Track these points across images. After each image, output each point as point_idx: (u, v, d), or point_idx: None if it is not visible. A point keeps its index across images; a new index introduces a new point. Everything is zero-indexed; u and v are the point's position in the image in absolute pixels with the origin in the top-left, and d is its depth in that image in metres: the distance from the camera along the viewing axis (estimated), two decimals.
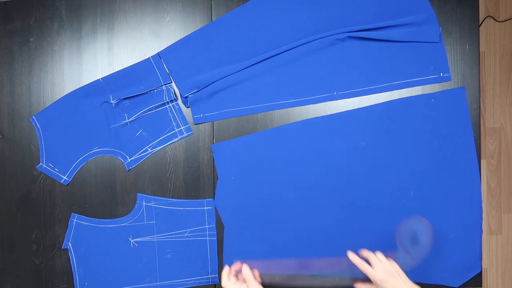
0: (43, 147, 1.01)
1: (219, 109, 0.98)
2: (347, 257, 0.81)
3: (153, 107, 0.98)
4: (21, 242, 1.02)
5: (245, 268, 0.83)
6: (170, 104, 0.98)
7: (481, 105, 1.75)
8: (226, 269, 0.84)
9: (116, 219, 1.00)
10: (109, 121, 0.99)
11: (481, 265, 0.94)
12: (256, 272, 0.86)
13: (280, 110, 0.97)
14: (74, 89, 1.00)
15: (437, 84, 0.94)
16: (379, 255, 0.80)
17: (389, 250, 0.85)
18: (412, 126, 0.93)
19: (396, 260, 0.80)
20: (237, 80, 0.96)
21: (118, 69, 0.99)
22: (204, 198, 0.99)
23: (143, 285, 0.99)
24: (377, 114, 0.94)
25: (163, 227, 0.99)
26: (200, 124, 0.99)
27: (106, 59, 1.00)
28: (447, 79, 0.94)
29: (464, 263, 0.94)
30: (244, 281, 0.82)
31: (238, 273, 0.85)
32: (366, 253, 0.81)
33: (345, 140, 0.95)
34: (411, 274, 0.93)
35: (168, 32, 0.99)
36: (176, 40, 0.98)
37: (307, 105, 0.96)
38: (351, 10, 0.94)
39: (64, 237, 1.01)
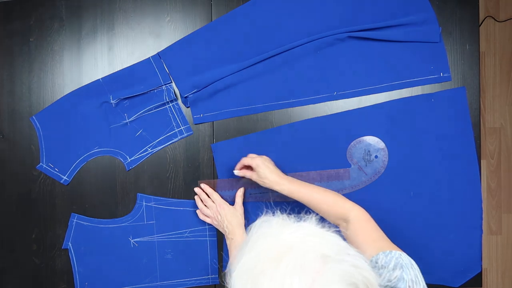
0: (43, 147, 1.01)
1: (219, 109, 0.98)
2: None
3: (153, 107, 0.98)
4: (21, 242, 1.02)
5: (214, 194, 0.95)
6: (170, 104, 0.98)
7: (481, 105, 1.75)
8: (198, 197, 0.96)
9: (116, 219, 1.00)
10: (109, 121, 0.99)
11: (481, 265, 0.94)
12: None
13: (280, 110, 0.97)
14: (74, 89, 1.00)
15: (437, 84, 0.94)
16: (250, 155, 0.91)
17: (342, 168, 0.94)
18: (412, 126, 0.93)
19: (350, 177, 0.93)
20: (237, 80, 0.96)
21: (118, 69, 0.99)
22: None
23: (143, 285, 0.99)
24: (377, 114, 0.94)
25: (163, 227, 0.99)
26: (200, 124, 0.99)
27: (106, 59, 1.00)
28: (447, 79, 0.94)
29: (464, 263, 0.94)
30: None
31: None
32: (243, 160, 0.90)
33: (345, 140, 0.95)
34: None
35: (168, 32, 0.99)
36: (176, 40, 0.98)
37: (307, 105, 0.96)
38: (351, 10, 0.94)
39: (64, 237, 1.01)
